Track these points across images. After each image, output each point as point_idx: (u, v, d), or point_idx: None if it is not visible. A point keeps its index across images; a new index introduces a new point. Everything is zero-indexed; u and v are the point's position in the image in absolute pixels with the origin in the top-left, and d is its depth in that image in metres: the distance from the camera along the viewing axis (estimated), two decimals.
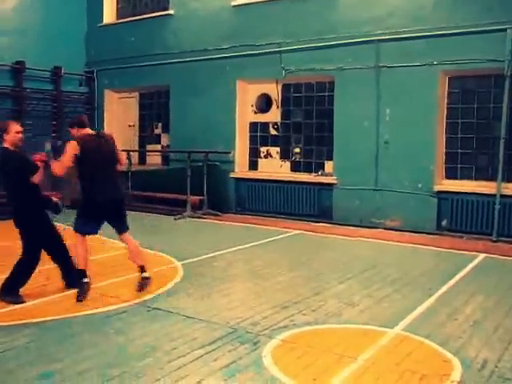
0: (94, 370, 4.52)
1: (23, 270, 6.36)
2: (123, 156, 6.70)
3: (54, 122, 15.15)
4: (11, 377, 4.44)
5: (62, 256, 6.82)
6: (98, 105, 16.08)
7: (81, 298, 6.38)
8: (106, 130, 15.93)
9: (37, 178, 6.25)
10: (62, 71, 15.06)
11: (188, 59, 13.84)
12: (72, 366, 4.62)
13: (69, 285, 6.74)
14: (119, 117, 16.15)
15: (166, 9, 14.55)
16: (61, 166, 6.38)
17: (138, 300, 6.35)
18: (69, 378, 4.38)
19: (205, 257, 8.77)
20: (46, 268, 7.54)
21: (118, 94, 16.16)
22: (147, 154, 15.93)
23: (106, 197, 6.52)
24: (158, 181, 14.17)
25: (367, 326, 5.68)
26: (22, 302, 6.20)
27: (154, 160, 15.74)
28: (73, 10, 15.42)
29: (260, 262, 8.62)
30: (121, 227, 6.85)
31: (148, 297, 6.49)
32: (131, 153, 14.83)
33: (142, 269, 6.83)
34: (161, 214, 13.22)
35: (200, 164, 12.91)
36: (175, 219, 12.52)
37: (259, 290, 7.02)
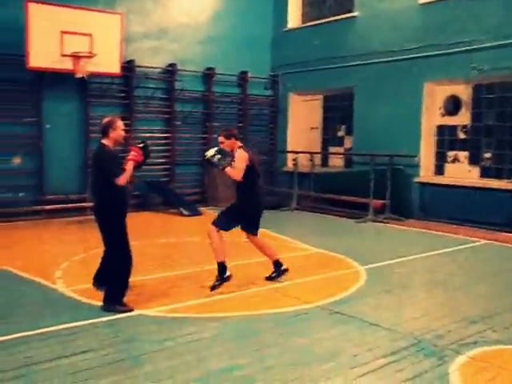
0: (276, 368, 4.59)
1: (117, 269, 6.13)
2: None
3: (240, 125, 15.79)
4: (202, 365, 4.67)
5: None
6: (282, 107, 16.46)
7: (215, 288, 6.75)
8: (290, 131, 16.30)
9: (122, 181, 5.98)
10: (249, 75, 15.69)
11: (373, 61, 13.68)
12: (256, 362, 4.73)
13: (97, 283, 6.41)
14: (303, 119, 16.40)
15: (351, 11, 14.51)
16: (239, 173, 6.84)
17: (319, 303, 6.35)
18: (254, 374, 4.49)
19: (387, 262, 8.56)
20: (241, 263, 7.87)
21: (302, 96, 16.41)
22: (330, 156, 15.99)
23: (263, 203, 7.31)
24: (339, 183, 14.14)
25: None
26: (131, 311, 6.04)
27: (337, 162, 15.75)
28: (259, 17, 16.03)
29: (445, 271, 8.23)
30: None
31: (330, 300, 6.47)
32: (314, 155, 14.97)
33: (278, 263, 7.31)
34: (342, 216, 13.18)
35: (383, 167, 12.66)
36: (356, 222, 12.40)
37: (444, 301, 6.69)
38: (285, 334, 5.41)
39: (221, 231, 6.91)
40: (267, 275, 7.32)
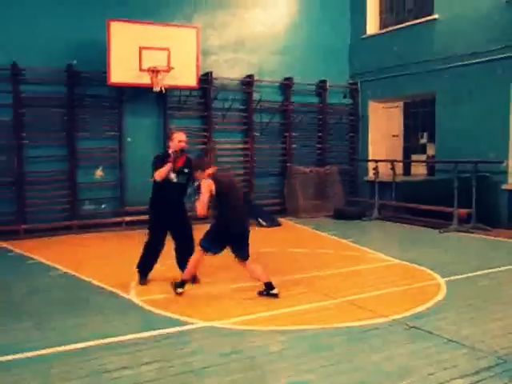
0: None
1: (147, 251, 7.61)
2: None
3: (320, 134, 15.59)
4: (266, 380, 4.53)
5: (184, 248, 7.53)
6: (361, 115, 16.13)
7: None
8: (371, 139, 15.95)
9: (155, 177, 7.39)
10: (327, 84, 15.48)
11: (455, 64, 13.13)
12: (324, 378, 4.52)
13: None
14: (383, 127, 16.00)
15: (431, 13, 14.02)
16: (201, 207, 6.84)
17: (395, 316, 6.03)
18: None
19: (472, 274, 8.08)
20: (307, 276, 7.73)
21: (382, 103, 16.02)
22: (412, 164, 15.51)
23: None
24: (422, 192, 13.61)
25: None
26: (143, 284, 7.47)
27: (419, 170, 15.26)
28: (337, 25, 15.83)
29: None
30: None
31: (407, 314, 6.14)
32: (395, 163, 14.55)
33: (270, 286, 6.92)
34: (425, 226, 12.67)
35: (468, 175, 12.08)
36: (440, 232, 11.88)
37: None
38: (357, 349, 5.16)
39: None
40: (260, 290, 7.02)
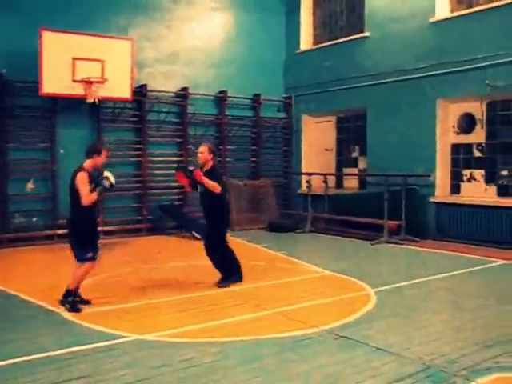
0: None
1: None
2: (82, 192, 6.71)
3: (254, 147, 15.74)
4: None
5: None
6: (295, 129, 16.38)
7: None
8: (304, 153, 16.19)
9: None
10: (262, 98, 15.67)
11: (385, 80, 13.58)
12: None
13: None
14: (316, 141, 16.29)
15: (362, 31, 14.46)
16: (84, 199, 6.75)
17: (325, 327, 6.15)
18: None
19: (400, 284, 8.33)
20: (240, 288, 7.78)
21: (315, 118, 16.34)
22: (344, 177, 15.84)
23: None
24: (354, 205, 13.94)
25: None
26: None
27: (352, 184, 15.59)
28: (271, 40, 16.08)
29: (460, 293, 7.99)
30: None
31: (336, 324, 6.27)
32: (328, 176, 14.83)
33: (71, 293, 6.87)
34: (357, 238, 12.98)
35: (398, 188, 12.46)
36: (371, 244, 12.19)
37: (458, 325, 6.44)
38: (287, 359, 5.23)
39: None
40: None
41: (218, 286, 7.95)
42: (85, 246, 6.83)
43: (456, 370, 4.94)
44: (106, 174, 6.81)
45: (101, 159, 6.92)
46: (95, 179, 6.81)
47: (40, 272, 9.44)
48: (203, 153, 8.05)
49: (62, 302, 6.81)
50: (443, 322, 6.69)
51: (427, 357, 5.26)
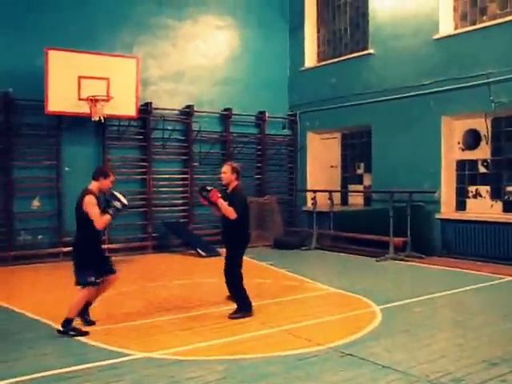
0: None
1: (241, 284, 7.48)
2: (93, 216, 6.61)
3: (259, 164, 15.77)
4: None
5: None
6: (300, 146, 16.41)
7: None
8: (309, 170, 16.22)
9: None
10: (266, 115, 15.73)
11: (390, 97, 13.63)
12: None
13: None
14: (321, 157, 16.32)
15: (366, 48, 14.56)
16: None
17: (331, 345, 6.11)
18: None
19: (406, 301, 8.29)
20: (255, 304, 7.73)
21: (320, 135, 16.39)
22: (349, 194, 15.83)
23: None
24: (359, 221, 13.94)
25: None
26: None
27: (357, 200, 15.58)
28: (276, 57, 16.20)
29: (466, 310, 7.97)
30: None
31: (342, 342, 6.23)
32: (333, 193, 14.83)
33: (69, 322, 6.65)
34: (362, 255, 12.94)
35: (403, 204, 12.44)
36: (377, 261, 12.14)
37: (464, 342, 6.39)
38: (292, 378, 5.19)
39: None
40: None
41: (230, 318, 7.27)
42: (86, 269, 6.65)
43: None
44: (117, 194, 6.76)
45: (107, 182, 6.83)
46: (103, 202, 6.77)
47: (45, 290, 9.46)
48: (226, 172, 7.52)
49: (62, 332, 6.54)
50: (449, 340, 6.64)
51: (433, 375, 5.21)
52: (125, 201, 6.78)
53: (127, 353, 5.87)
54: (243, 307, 7.40)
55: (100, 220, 6.59)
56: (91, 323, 6.97)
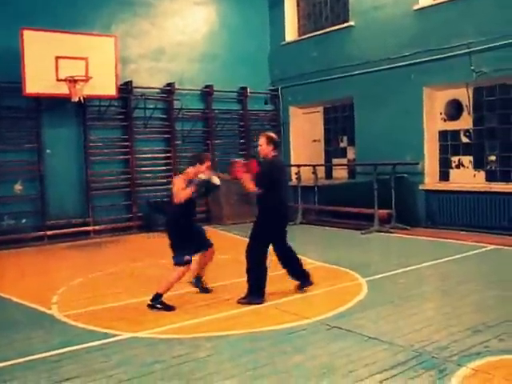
0: None
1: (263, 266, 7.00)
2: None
3: (242, 140, 15.72)
4: None
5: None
6: (283, 121, 16.36)
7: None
8: (293, 144, 16.18)
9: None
10: (248, 91, 15.63)
11: (371, 69, 13.57)
12: (249, 382, 4.57)
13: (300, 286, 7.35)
14: (304, 132, 16.29)
15: (347, 21, 14.46)
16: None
17: (318, 318, 6.16)
18: None
19: (392, 273, 8.36)
20: (232, 283, 7.75)
21: (303, 109, 16.33)
22: (333, 168, 15.84)
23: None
24: (344, 195, 13.97)
25: None
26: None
27: (341, 174, 15.59)
28: (256, 32, 16.00)
29: (451, 279, 8.04)
30: None
31: (329, 314, 6.28)
32: (317, 167, 14.84)
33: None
34: (348, 228, 13.00)
35: (387, 176, 12.47)
36: (362, 234, 12.21)
37: (449, 311, 6.48)
38: (280, 351, 5.23)
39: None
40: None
41: (238, 302, 6.87)
42: (182, 248, 6.89)
43: (447, 355, 4.97)
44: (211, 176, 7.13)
45: (202, 168, 7.05)
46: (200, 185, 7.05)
47: (31, 274, 9.40)
48: (262, 145, 7.03)
49: (151, 306, 6.73)
50: (434, 309, 6.74)
51: (418, 344, 5.28)
52: (216, 181, 7.19)
53: (114, 333, 5.88)
54: (254, 293, 6.86)
55: (179, 194, 6.81)
56: (209, 291, 7.47)
